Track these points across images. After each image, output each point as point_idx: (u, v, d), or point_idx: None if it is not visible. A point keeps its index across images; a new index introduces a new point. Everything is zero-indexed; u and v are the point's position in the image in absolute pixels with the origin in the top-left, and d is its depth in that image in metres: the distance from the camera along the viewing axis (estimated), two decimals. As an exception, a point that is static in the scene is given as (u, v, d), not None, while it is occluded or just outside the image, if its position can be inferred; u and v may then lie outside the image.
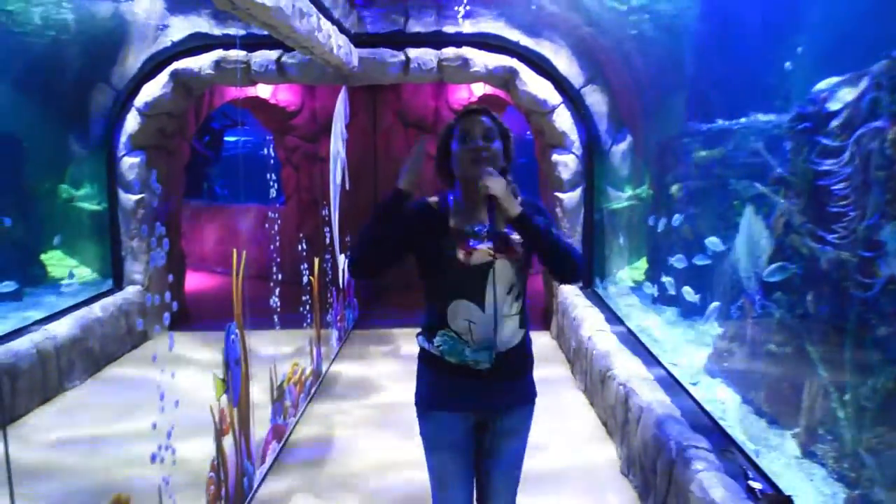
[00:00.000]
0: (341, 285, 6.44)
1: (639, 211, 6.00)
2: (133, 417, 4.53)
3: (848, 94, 2.92)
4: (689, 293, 4.77)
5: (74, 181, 6.82)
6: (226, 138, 13.97)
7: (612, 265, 6.55)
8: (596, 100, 6.46)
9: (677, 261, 4.83)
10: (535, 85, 6.44)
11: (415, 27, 6.44)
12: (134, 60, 6.39)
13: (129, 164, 6.57)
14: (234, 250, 3.58)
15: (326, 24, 4.76)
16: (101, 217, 6.76)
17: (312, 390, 5.25)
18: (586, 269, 6.73)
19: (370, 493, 3.79)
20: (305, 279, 5.32)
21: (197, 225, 10.69)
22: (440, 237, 2.23)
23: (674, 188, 5.18)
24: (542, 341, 6.54)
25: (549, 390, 5.15)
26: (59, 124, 6.50)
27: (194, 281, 8.83)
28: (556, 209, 6.67)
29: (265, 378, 4.08)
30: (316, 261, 5.52)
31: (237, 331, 3.44)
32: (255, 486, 3.75)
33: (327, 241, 5.99)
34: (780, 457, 3.17)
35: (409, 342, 6.40)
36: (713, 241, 4.38)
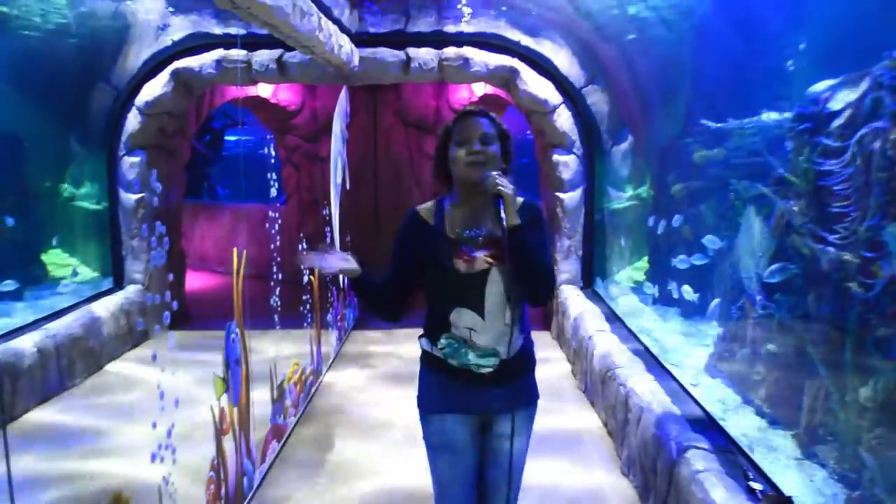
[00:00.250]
0: (341, 285, 6.44)
1: (639, 211, 6.00)
2: (133, 417, 4.52)
3: (849, 95, 2.92)
4: (688, 292, 4.77)
5: (75, 180, 6.82)
6: (226, 138, 13.98)
7: (613, 265, 6.55)
8: (597, 100, 6.46)
9: (679, 262, 4.83)
10: (536, 85, 6.44)
11: (415, 27, 6.44)
12: (135, 59, 6.39)
13: (130, 163, 6.57)
14: (235, 250, 3.58)
15: (327, 24, 4.76)
16: (101, 216, 6.77)
17: (312, 390, 5.25)
18: (587, 270, 6.74)
19: (370, 493, 3.78)
20: (306, 279, 5.32)
21: (197, 224, 10.69)
22: (436, 247, 2.22)
23: (675, 188, 5.18)
24: (542, 341, 6.53)
25: (549, 391, 5.15)
26: (59, 124, 6.50)
27: (194, 280, 8.83)
28: (557, 209, 6.67)
29: (265, 377, 4.07)
30: (316, 260, 5.51)
31: (237, 330, 3.44)
32: (255, 485, 3.75)
33: (328, 240, 5.99)
34: (780, 457, 3.17)
35: (409, 342, 6.39)
36: (710, 239, 4.38)
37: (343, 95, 6.23)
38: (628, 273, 6.31)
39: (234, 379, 3.39)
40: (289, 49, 6.07)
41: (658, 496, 3.26)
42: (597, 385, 4.75)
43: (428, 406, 2.32)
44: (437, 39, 6.43)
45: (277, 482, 3.89)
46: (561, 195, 6.63)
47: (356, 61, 6.03)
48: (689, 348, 4.63)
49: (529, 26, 6.36)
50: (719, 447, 3.10)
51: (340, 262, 2.28)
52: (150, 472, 2.69)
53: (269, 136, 8.51)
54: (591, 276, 6.75)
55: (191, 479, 3.30)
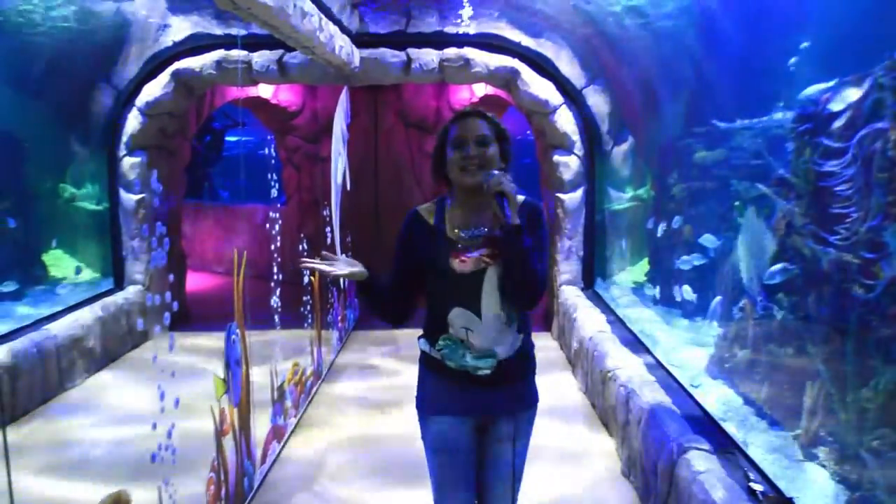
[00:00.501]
0: (342, 286, 6.44)
1: (640, 212, 6.00)
2: (133, 417, 4.52)
3: (850, 95, 2.91)
4: (686, 292, 4.76)
5: (75, 181, 6.82)
6: (227, 138, 13.98)
7: (614, 266, 6.55)
8: (597, 100, 6.46)
9: (682, 263, 4.82)
10: (537, 85, 6.44)
11: (416, 27, 6.44)
12: (135, 60, 6.39)
13: (130, 163, 6.57)
14: (235, 250, 3.58)
15: (328, 24, 4.76)
16: (101, 217, 6.77)
17: (313, 391, 5.25)
18: (587, 271, 6.74)
19: (371, 493, 3.78)
20: (306, 279, 5.32)
21: (198, 225, 10.70)
22: (434, 247, 2.21)
23: (675, 189, 5.18)
24: (543, 342, 6.53)
25: (550, 391, 5.14)
26: (60, 124, 6.50)
27: (195, 281, 8.83)
28: (558, 210, 6.67)
29: (265, 378, 4.07)
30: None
31: (238, 331, 3.44)
32: (256, 486, 3.75)
33: (328, 241, 5.99)
34: (781, 458, 3.16)
35: (409, 343, 6.39)
36: (708, 239, 4.37)
37: (344, 96, 6.23)
38: (629, 274, 6.31)
39: (235, 379, 3.39)
40: (289, 50, 6.07)
41: (659, 497, 3.26)
42: (597, 386, 4.74)
43: (427, 408, 2.31)
44: (438, 40, 6.43)
45: (278, 483, 3.88)
46: (562, 196, 6.63)
47: (357, 62, 6.03)
48: (690, 349, 4.62)
49: (530, 27, 6.36)
50: (720, 448, 3.10)
51: (346, 266, 2.27)
52: (150, 472, 2.69)
53: (269, 137, 8.51)
54: (592, 277, 6.75)
55: (191, 479, 3.30)
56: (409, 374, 4.88)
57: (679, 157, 5.18)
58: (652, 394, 3.78)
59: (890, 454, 2.62)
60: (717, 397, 3.87)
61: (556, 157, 6.60)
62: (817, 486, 2.92)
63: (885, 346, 2.67)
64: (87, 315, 5.76)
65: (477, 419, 2.27)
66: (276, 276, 4.33)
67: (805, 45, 3.20)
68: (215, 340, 3.43)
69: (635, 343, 4.91)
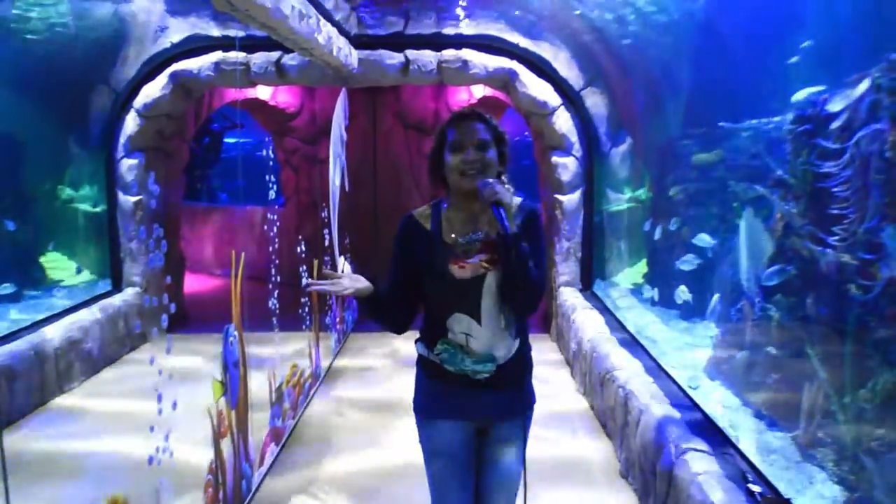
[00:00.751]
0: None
1: (638, 213, 6.00)
2: (131, 420, 4.51)
3: (848, 97, 2.92)
4: (683, 292, 4.76)
5: (74, 182, 6.81)
6: (225, 140, 13.97)
7: (612, 267, 6.54)
8: (596, 102, 6.46)
9: (682, 263, 4.82)
10: (535, 87, 6.44)
11: (415, 29, 6.44)
12: (133, 62, 6.38)
13: (128, 165, 6.57)
14: (233, 252, 3.57)
15: (326, 26, 4.76)
16: (99, 219, 6.76)
17: (311, 393, 5.24)
18: (586, 272, 6.73)
19: (369, 495, 3.78)
20: (304, 282, 5.31)
21: (196, 227, 10.68)
22: (432, 252, 2.19)
23: (673, 190, 5.18)
24: (541, 343, 6.53)
25: (548, 393, 5.15)
26: (58, 126, 6.49)
27: (193, 283, 8.82)
28: (556, 211, 6.67)
29: (264, 380, 4.06)
30: (315, 263, 5.51)
31: (236, 333, 3.43)
32: (254, 488, 3.74)
33: (326, 243, 5.98)
34: (780, 459, 3.16)
35: (407, 345, 6.37)
36: (703, 239, 4.37)
37: (342, 97, 6.23)
38: (627, 275, 6.31)
39: (233, 382, 3.38)
40: (287, 51, 6.07)
41: (657, 498, 3.26)
42: (596, 387, 4.74)
43: (424, 411, 2.30)
44: (436, 41, 6.43)
45: (276, 485, 3.88)
46: (560, 197, 6.64)
47: (355, 63, 6.03)
48: (689, 350, 4.62)
49: (528, 28, 6.37)
50: (718, 449, 3.10)
51: (351, 284, 2.20)
52: (147, 474, 2.68)
53: (267, 139, 8.52)
54: (591, 278, 6.75)
55: (189, 481, 3.30)
56: (406, 377, 4.87)
57: (677, 159, 5.19)
58: (650, 395, 3.78)
59: (888, 455, 2.62)
60: (715, 398, 3.87)
61: (555, 159, 6.60)
62: (815, 488, 2.92)
63: (883, 347, 2.67)
64: (84, 317, 5.75)
65: (475, 422, 2.26)
66: (274, 278, 4.32)
67: (807, 43, 3.20)
68: (213, 342, 3.42)
69: (633, 344, 4.91)
